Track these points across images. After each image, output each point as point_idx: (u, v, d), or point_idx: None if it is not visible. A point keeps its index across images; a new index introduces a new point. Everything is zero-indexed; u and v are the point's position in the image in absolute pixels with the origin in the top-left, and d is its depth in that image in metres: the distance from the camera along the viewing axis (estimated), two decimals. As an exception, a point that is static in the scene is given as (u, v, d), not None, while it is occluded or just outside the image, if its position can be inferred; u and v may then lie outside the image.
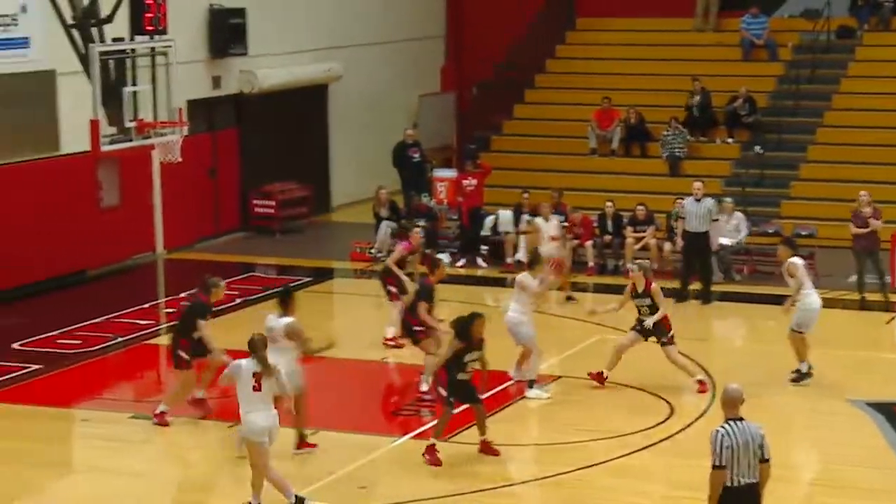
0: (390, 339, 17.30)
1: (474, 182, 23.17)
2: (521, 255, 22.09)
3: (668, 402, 15.15)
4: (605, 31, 28.67)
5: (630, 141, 25.81)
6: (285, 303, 13.57)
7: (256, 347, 11.80)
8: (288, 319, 13.39)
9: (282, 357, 12.91)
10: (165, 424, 14.36)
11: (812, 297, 15.87)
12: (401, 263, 17.51)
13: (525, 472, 13.17)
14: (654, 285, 15.72)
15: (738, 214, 21.58)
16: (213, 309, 14.81)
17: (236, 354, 16.10)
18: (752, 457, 9.55)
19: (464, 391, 13.40)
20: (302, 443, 13.59)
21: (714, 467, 9.55)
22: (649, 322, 15.56)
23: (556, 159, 25.67)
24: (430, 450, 13.30)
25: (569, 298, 19.97)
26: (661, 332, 15.62)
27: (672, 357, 15.59)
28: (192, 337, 14.31)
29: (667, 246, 21.46)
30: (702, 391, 15.48)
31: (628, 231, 21.77)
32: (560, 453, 13.79)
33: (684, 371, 15.65)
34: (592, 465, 13.37)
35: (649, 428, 14.32)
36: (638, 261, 16.75)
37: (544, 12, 28.82)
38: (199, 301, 14.51)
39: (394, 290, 17.11)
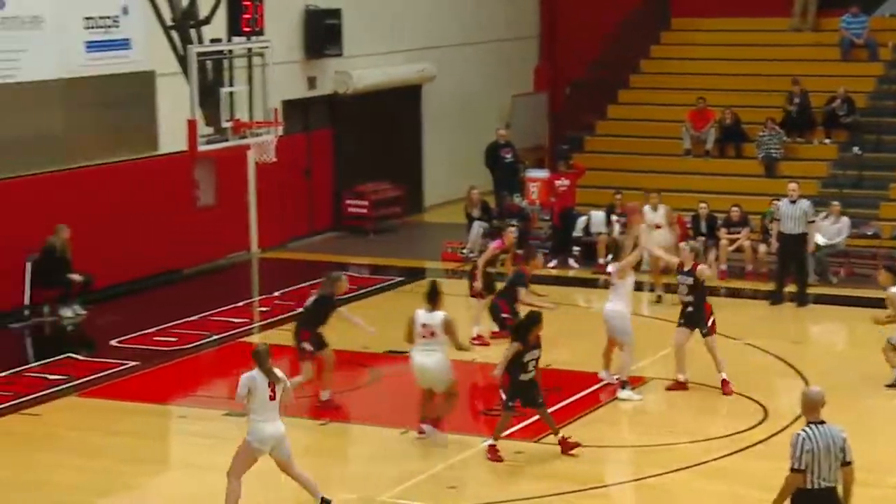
0: (476, 339, 17.37)
1: (567, 183, 23.12)
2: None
3: (761, 404, 14.99)
4: (700, 31, 28.41)
5: (725, 142, 25.56)
6: (434, 298, 13.85)
7: (262, 359, 11.83)
8: (442, 314, 13.72)
9: (437, 352, 13.51)
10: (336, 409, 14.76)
11: None
12: (492, 262, 17.54)
13: (616, 474, 13.12)
14: (701, 267, 15.69)
15: (844, 219, 21.26)
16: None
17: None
18: (833, 460, 9.48)
19: (526, 393, 13.42)
20: (435, 422, 13.92)
21: (792, 470, 9.52)
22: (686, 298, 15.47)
23: (649, 160, 25.50)
24: (491, 449, 13.33)
25: (658, 299, 19.78)
26: (703, 322, 15.53)
27: (711, 348, 15.53)
28: (315, 331, 14.73)
29: (761, 248, 21.24)
30: (726, 392, 15.41)
31: (722, 233, 21.58)
32: (651, 455, 13.70)
33: (714, 365, 15.53)
34: (685, 468, 13.26)
35: (743, 431, 14.18)
36: (691, 242, 16.63)
37: (639, 12, 28.65)
38: (325, 294, 14.85)
39: (479, 287, 17.05)
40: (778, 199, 20.48)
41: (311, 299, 15.23)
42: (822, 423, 9.57)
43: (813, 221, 20.02)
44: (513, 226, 20.14)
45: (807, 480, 9.47)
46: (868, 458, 13.22)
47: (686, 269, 15.68)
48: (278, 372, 11.89)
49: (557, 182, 23.20)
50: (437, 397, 13.92)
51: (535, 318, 13.64)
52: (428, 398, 14.01)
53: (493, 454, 13.37)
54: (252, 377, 11.80)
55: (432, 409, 13.96)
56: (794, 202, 19.75)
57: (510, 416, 13.55)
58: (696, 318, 15.56)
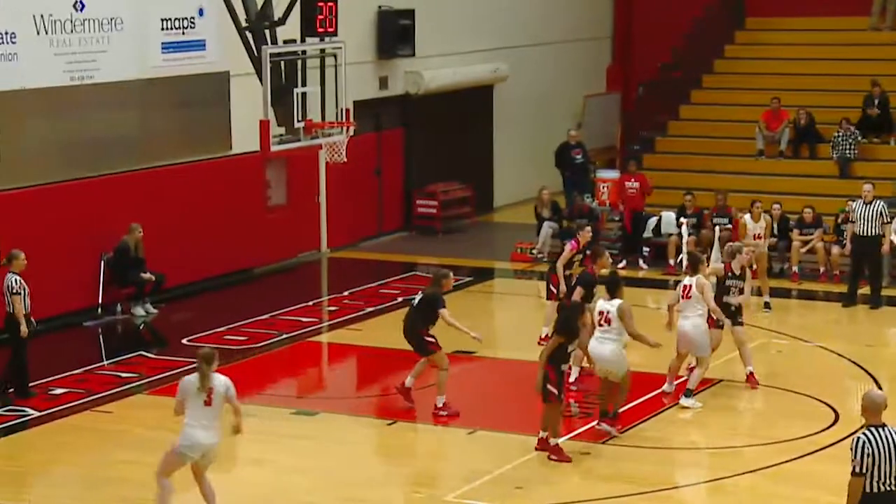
0: (545, 339, 17.34)
1: (637, 185, 23.03)
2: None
3: (832, 408, 14.84)
4: (775, 31, 28.16)
5: (799, 142, 25.30)
6: (614, 286, 14.04)
7: (203, 363, 11.46)
8: (619, 301, 13.89)
9: (611, 340, 13.72)
10: (456, 415, 14.68)
11: None
12: (569, 264, 17.48)
13: (684, 476, 13.04)
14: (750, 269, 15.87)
15: None
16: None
17: (398, 353, 16.47)
18: (894, 464, 9.39)
19: (563, 383, 13.47)
20: (609, 420, 14.01)
21: (853, 474, 9.45)
22: (734, 300, 15.48)
23: (722, 160, 25.31)
24: (555, 449, 13.33)
25: (766, 306, 19.38)
26: (739, 313, 15.60)
27: (740, 339, 15.54)
28: (428, 330, 14.73)
29: (834, 249, 21.02)
30: (751, 385, 15.42)
31: (795, 234, 21.38)
32: (720, 458, 13.62)
33: (742, 358, 15.54)
34: (753, 471, 13.17)
35: (814, 434, 14.05)
36: (733, 244, 16.53)
37: (713, 11, 28.45)
38: (433, 292, 14.86)
39: (554, 289, 17.10)
40: (852, 201, 20.26)
41: (417, 298, 15.12)
42: (884, 426, 9.50)
43: (889, 223, 19.79)
44: (588, 225, 20.05)
45: (868, 484, 9.40)
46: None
47: (737, 272, 15.65)
48: (219, 379, 11.43)
49: (627, 183, 23.11)
50: (614, 390, 13.96)
51: (578, 309, 13.73)
52: (607, 388, 14.03)
53: (559, 454, 13.36)
54: (189, 381, 11.48)
55: (611, 401, 13.98)
56: (868, 203, 19.52)
57: (562, 409, 13.57)
58: (738, 310, 15.67)
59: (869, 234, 19.45)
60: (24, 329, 15.19)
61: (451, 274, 15.43)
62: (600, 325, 13.98)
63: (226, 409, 11.48)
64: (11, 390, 15.48)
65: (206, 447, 11.49)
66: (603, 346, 13.95)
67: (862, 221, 19.50)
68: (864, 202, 19.56)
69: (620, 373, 13.96)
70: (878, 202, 19.62)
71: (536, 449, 13.50)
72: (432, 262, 22.95)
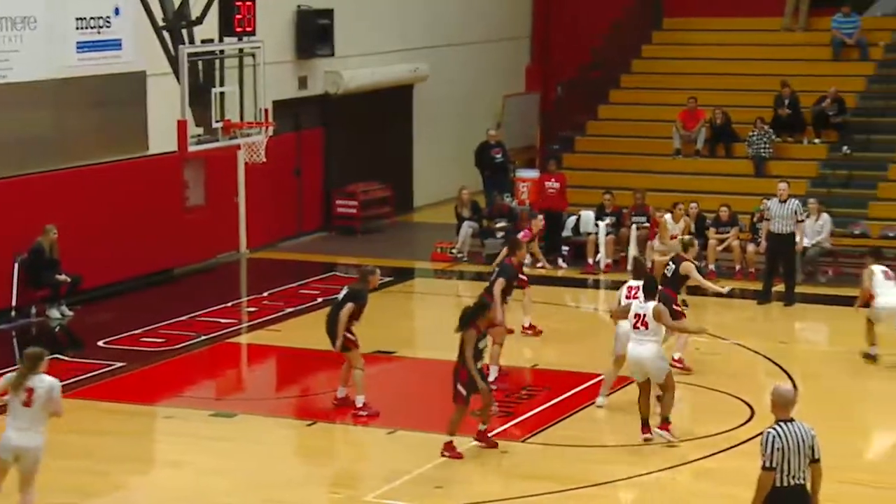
0: (528, 328, 17.49)
1: (557, 184, 23.14)
2: (604, 257, 22.05)
3: (748, 404, 15.01)
4: (692, 31, 28.43)
5: (715, 141, 25.59)
6: (649, 289, 14.07)
7: (26, 363, 11.16)
8: (653, 303, 13.88)
9: (649, 342, 13.65)
10: (376, 415, 14.63)
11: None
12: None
13: (604, 474, 13.11)
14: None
15: (825, 216, 21.34)
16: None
17: (317, 354, 16.42)
18: (802, 458, 9.55)
19: (474, 382, 13.39)
20: (663, 424, 13.93)
21: (763, 468, 9.60)
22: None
23: (640, 160, 25.52)
24: (448, 446, 13.36)
25: (683, 303, 19.51)
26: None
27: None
28: (350, 324, 14.66)
29: (750, 247, 21.28)
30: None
31: (711, 232, 21.62)
32: (639, 455, 13.72)
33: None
34: (672, 467, 13.29)
35: (730, 430, 14.20)
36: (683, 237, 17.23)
37: (631, 12, 28.68)
38: (356, 288, 14.86)
39: (524, 278, 17.24)
40: (767, 199, 20.52)
41: (341, 294, 15.07)
42: (793, 420, 9.64)
43: (802, 221, 20.07)
44: (540, 215, 20.07)
45: (778, 478, 9.54)
46: (865, 461, 13.33)
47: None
48: (44, 381, 11.07)
49: (547, 183, 23.22)
50: (662, 396, 13.87)
51: (486, 305, 13.79)
52: (644, 392, 13.89)
53: (452, 451, 13.39)
54: (7, 378, 11.21)
55: (647, 407, 13.86)
56: (783, 202, 19.79)
57: (466, 410, 13.53)
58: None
59: (783, 232, 19.72)
60: None
61: (378, 271, 15.42)
62: (636, 327, 13.84)
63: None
64: None
65: (20, 449, 11.03)
66: (643, 348, 13.82)
67: (777, 220, 19.77)
68: (779, 201, 19.82)
69: (663, 374, 13.84)
70: (792, 201, 19.89)
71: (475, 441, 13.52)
72: (352, 262, 22.90)
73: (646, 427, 13.85)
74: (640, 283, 14.58)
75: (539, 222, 17.88)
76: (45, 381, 11.10)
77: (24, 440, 11.04)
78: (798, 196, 20.73)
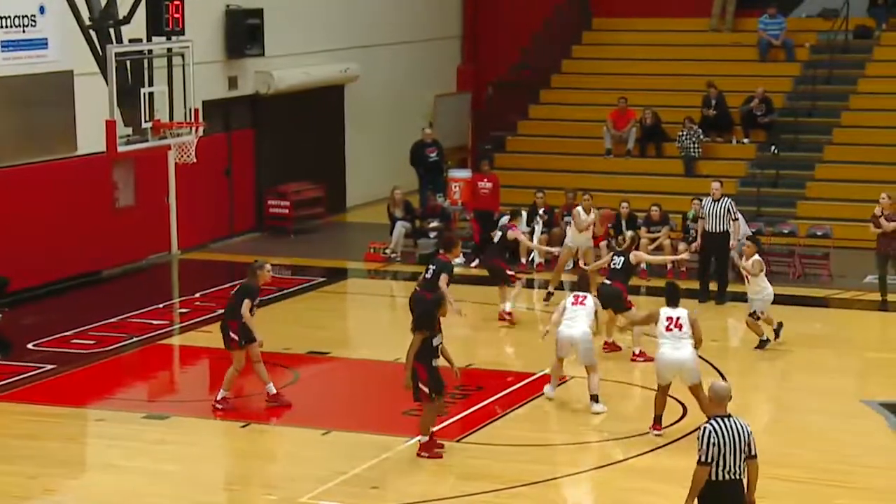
0: (508, 314, 18.30)
1: (489, 185, 23.18)
2: (538, 257, 22.13)
3: (680, 402, 15.11)
4: (621, 32, 28.65)
5: (646, 141, 25.78)
6: (675, 295, 14.26)
7: None
8: (685, 310, 14.12)
9: (687, 345, 13.86)
10: (232, 409, 14.75)
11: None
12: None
13: (538, 473, 13.16)
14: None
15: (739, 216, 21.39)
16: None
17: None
18: (738, 453, 9.68)
19: (438, 380, 13.43)
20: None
21: (699, 463, 9.73)
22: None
23: (571, 160, 25.66)
24: (425, 446, 13.37)
25: (549, 295, 19.86)
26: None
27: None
28: (240, 320, 14.73)
29: (681, 246, 21.44)
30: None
31: (643, 231, 21.74)
32: (571, 454, 13.80)
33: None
34: (604, 466, 13.38)
35: (663, 427, 14.28)
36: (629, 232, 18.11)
37: (560, 12, 28.81)
38: (247, 284, 14.97)
39: (512, 273, 18.37)
40: (699, 199, 20.69)
41: (234, 290, 15.17)
42: (729, 416, 9.76)
43: (736, 219, 20.24)
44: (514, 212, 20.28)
45: (714, 473, 9.66)
46: (795, 456, 13.48)
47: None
48: None
49: (480, 183, 23.25)
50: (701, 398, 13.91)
51: (437, 302, 13.79)
52: (664, 391, 14.00)
53: (430, 451, 13.38)
54: None
55: (663, 405, 14.08)
56: (717, 201, 19.96)
57: (436, 406, 13.53)
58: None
59: (717, 230, 19.90)
60: None
61: (268, 266, 15.39)
62: (669, 329, 13.95)
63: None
64: None
65: None
66: (681, 352, 13.91)
67: (710, 218, 19.94)
68: (712, 199, 19.99)
69: (697, 376, 13.98)
70: (725, 199, 20.07)
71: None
72: (285, 262, 22.81)
73: (657, 424, 14.06)
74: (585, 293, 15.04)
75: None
76: None
77: None
78: (728, 195, 20.92)
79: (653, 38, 28.11)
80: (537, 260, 22.15)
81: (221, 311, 15.88)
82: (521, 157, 26.18)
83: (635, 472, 13.27)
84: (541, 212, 22.38)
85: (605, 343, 16.72)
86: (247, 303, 14.78)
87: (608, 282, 16.98)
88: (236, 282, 20.82)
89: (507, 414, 14.97)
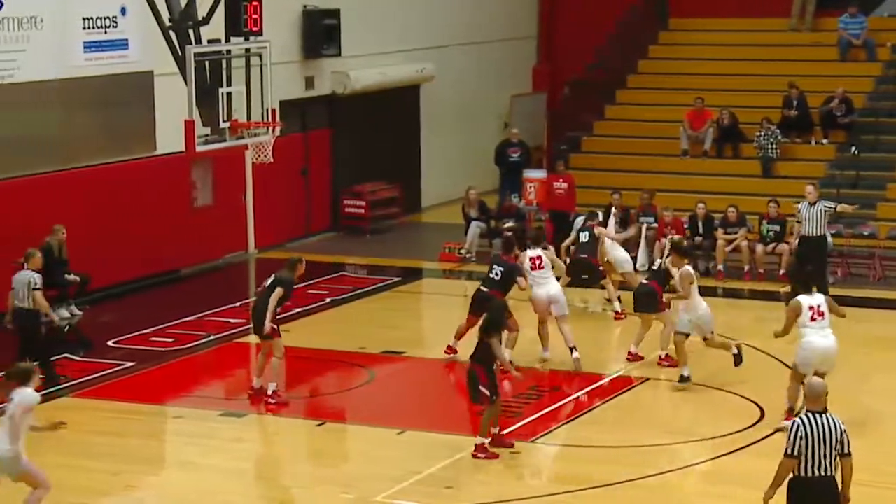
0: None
1: (564, 185, 23.11)
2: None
3: (758, 405, 15.00)
4: (698, 32, 28.44)
5: (723, 142, 25.58)
6: (810, 283, 14.36)
7: (16, 376, 11.29)
8: (822, 297, 14.23)
9: (830, 332, 13.98)
10: (285, 405, 15.03)
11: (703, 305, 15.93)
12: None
13: (613, 475, 13.11)
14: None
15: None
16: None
17: (326, 354, 16.42)
18: (829, 450, 9.58)
19: (496, 383, 13.52)
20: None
21: (785, 455, 9.71)
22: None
23: (647, 160, 25.52)
24: (481, 448, 13.36)
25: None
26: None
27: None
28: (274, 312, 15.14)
29: (758, 248, 21.25)
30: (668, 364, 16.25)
31: (719, 233, 21.59)
32: (648, 455, 13.72)
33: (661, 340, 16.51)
34: (681, 469, 13.29)
35: (740, 430, 14.19)
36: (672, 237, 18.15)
37: (637, 12, 28.67)
38: (281, 277, 15.36)
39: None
40: (776, 201, 20.49)
41: (268, 282, 15.44)
42: (824, 412, 9.69)
43: (831, 223, 19.95)
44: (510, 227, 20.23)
45: (803, 468, 9.59)
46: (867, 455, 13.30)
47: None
48: (19, 395, 11.17)
49: (555, 184, 23.19)
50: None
51: (505, 306, 14.00)
52: (798, 381, 13.96)
53: (486, 452, 13.39)
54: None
55: (797, 395, 14.02)
56: (812, 204, 19.63)
57: (494, 409, 13.55)
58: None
59: (815, 234, 19.53)
60: (55, 318, 16.24)
61: (304, 260, 15.81)
62: (813, 319, 14.06)
63: None
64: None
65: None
66: (829, 339, 14.08)
67: (808, 222, 19.61)
68: (808, 203, 19.66)
69: (832, 367, 14.09)
70: (820, 203, 19.74)
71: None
72: (360, 262, 22.93)
73: (791, 414, 13.98)
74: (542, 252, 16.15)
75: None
76: (18, 395, 11.18)
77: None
78: (822, 198, 20.46)
79: (731, 38, 27.88)
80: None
81: (298, 309, 16.04)
82: (597, 158, 26.08)
83: (711, 475, 13.18)
84: (617, 213, 22.22)
85: (660, 357, 16.45)
86: (279, 291, 15.06)
87: (645, 281, 16.96)
88: (311, 281, 21.08)
89: (581, 415, 14.92)
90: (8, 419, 11.18)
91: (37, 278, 15.80)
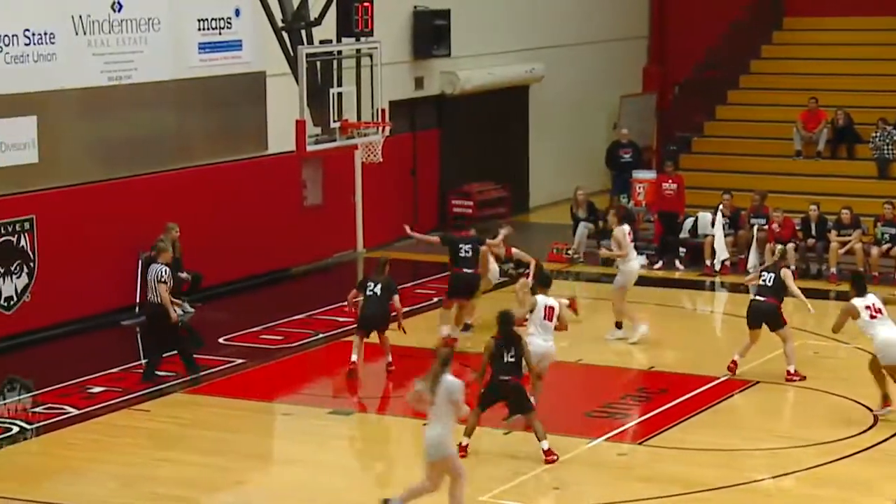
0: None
1: (674, 186, 22.92)
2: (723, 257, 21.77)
3: (871, 410, 14.73)
4: (813, 31, 28.02)
5: (837, 143, 25.17)
6: (861, 283, 14.80)
7: (441, 361, 11.56)
8: (874, 295, 14.66)
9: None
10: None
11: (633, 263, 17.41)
12: None
13: (722, 478, 12.97)
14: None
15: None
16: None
17: (428, 353, 16.43)
18: None
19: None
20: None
21: None
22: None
23: (759, 161, 25.20)
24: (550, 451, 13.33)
25: None
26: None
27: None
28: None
29: (873, 250, 20.86)
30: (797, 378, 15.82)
31: (833, 235, 21.24)
32: (758, 459, 13.56)
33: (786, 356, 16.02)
34: (791, 473, 13.11)
35: (852, 436, 13.96)
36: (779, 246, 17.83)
37: (750, 11, 28.33)
38: (387, 278, 16.33)
39: None
40: (892, 202, 20.07)
41: (376, 287, 16.30)
42: None
43: None
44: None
45: None
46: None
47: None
48: (446, 380, 11.43)
49: (664, 185, 23.01)
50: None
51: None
52: (878, 371, 14.41)
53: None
54: (422, 381, 11.63)
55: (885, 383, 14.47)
56: None
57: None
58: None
59: None
60: (174, 315, 16.10)
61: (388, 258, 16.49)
62: (873, 317, 14.39)
63: None
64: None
65: (428, 445, 11.50)
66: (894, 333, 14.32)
67: None
68: None
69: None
70: None
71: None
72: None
73: (887, 400, 14.51)
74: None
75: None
76: (446, 381, 11.46)
77: (429, 434, 11.48)
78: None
79: (846, 37, 27.42)
80: (721, 260, 21.79)
81: (406, 309, 16.13)
82: (707, 158, 25.81)
83: (821, 480, 12.96)
84: (725, 214, 22.00)
85: (788, 372, 16.16)
86: (396, 297, 15.95)
87: (761, 298, 16.15)
88: (419, 281, 21.18)
89: (690, 417, 14.78)
90: (440, 405, 11.39)
91: (164, 271, 16.19)
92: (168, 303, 16.12)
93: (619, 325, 17.61)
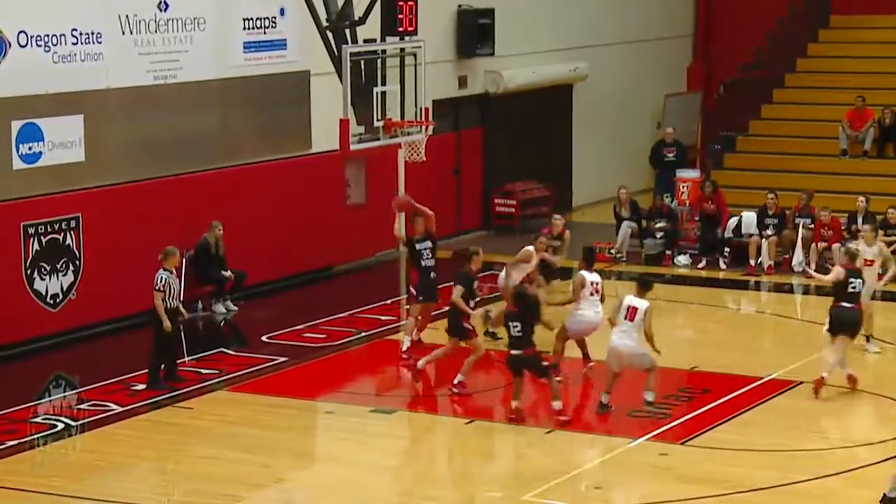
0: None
1: (713, 207, 22.64)
2: (767, 259, 21.66)
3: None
4: (860, 29, 27.81)
5: (884, 142, 24.96)
6: None
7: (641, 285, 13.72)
8: None
9: None
10: (468, 395, 15.39)
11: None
12: None
13: (763, 479, 12.90)
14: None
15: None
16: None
17: (466, 352, 16.40)
18: None
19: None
20: None
21: None
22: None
23: (804, 160, 25.04)
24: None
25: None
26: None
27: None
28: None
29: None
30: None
31: (880, 235, 21.02)
32: (800, 460, 13.47)
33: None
34: (835, 474, 13.02)
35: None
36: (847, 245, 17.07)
37: (796, 9, 28.15)
38: (461, 272, 15.91)
39: None
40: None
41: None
42: None
43: None
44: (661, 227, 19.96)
45: None
46: None
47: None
48: (640, 301, 13.54)
49: (704, 205, 22.80)
50: None
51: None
52: None
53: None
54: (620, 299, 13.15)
55: None
56: None
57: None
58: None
59: None
60: (167, 324, 15.74)
61: (480, 251, 16.42)
62: None
63: None
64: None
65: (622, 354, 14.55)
66: None
67: None
68: None
69: None
70: None
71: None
72: (511, 261, 22.82)
73: None
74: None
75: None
76: (642, 303, 14.46)
77: (622, 343, 14.47)
78: None
79: (893, 35, 27.18)
80: (766, 262, 21.67)
81: (447, 308, 16.11)
82: (753, 158, 25.68)
83: (865, 481, 12.85)
84: (771, 214, 21.86)
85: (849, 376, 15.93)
86: (458, 289, 15.35)
87: (848, 305, 15.55)
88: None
89: (733, 418, 14.71)
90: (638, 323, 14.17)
91: (160, 278, 15.86)
92: (160, 310, 15.73)
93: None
